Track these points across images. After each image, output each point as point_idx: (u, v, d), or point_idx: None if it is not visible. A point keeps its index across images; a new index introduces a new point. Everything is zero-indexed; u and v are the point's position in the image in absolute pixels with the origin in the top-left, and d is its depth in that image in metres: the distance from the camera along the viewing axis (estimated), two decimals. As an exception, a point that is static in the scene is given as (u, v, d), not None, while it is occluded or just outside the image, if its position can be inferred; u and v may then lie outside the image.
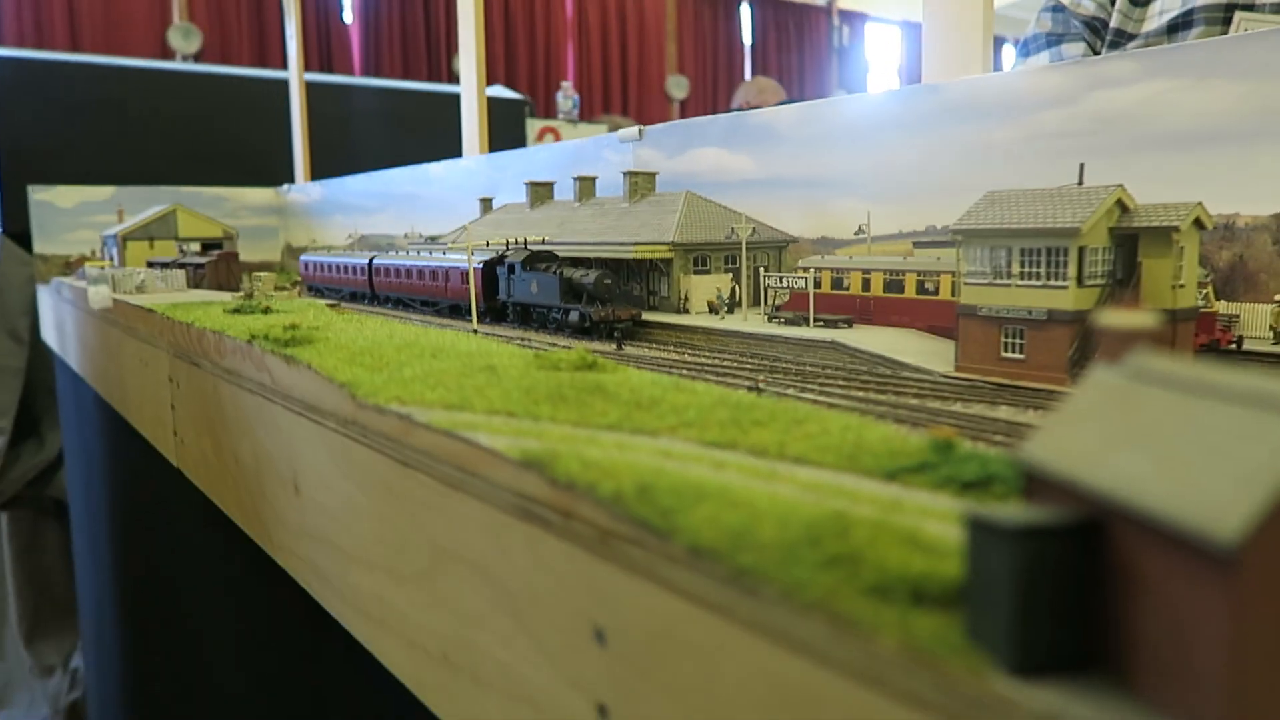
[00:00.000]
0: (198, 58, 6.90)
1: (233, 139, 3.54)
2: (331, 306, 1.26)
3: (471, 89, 2.20)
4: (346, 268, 2.08)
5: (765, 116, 1.38)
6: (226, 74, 4.10)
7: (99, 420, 1.91)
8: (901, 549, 0.35)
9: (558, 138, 5.43)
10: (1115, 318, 0.32)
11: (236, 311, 1.15)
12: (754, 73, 10.02)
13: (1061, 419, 0.32)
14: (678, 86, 9.43)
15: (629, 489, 0.44)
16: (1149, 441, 0.28)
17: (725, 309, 1.38)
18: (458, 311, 1.68)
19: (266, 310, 1.14)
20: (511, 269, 1.48)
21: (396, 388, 0.68)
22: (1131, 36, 1.61)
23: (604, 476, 0.46)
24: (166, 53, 6.83)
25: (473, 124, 2.20)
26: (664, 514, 0.41)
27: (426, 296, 1.77)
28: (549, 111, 7.38)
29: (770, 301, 1.30)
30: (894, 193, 1.18)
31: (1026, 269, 0.85)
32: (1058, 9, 1.79)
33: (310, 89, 3.09)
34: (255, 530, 0.99)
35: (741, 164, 1.42)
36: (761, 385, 0.90)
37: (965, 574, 0.31)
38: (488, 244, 1.49)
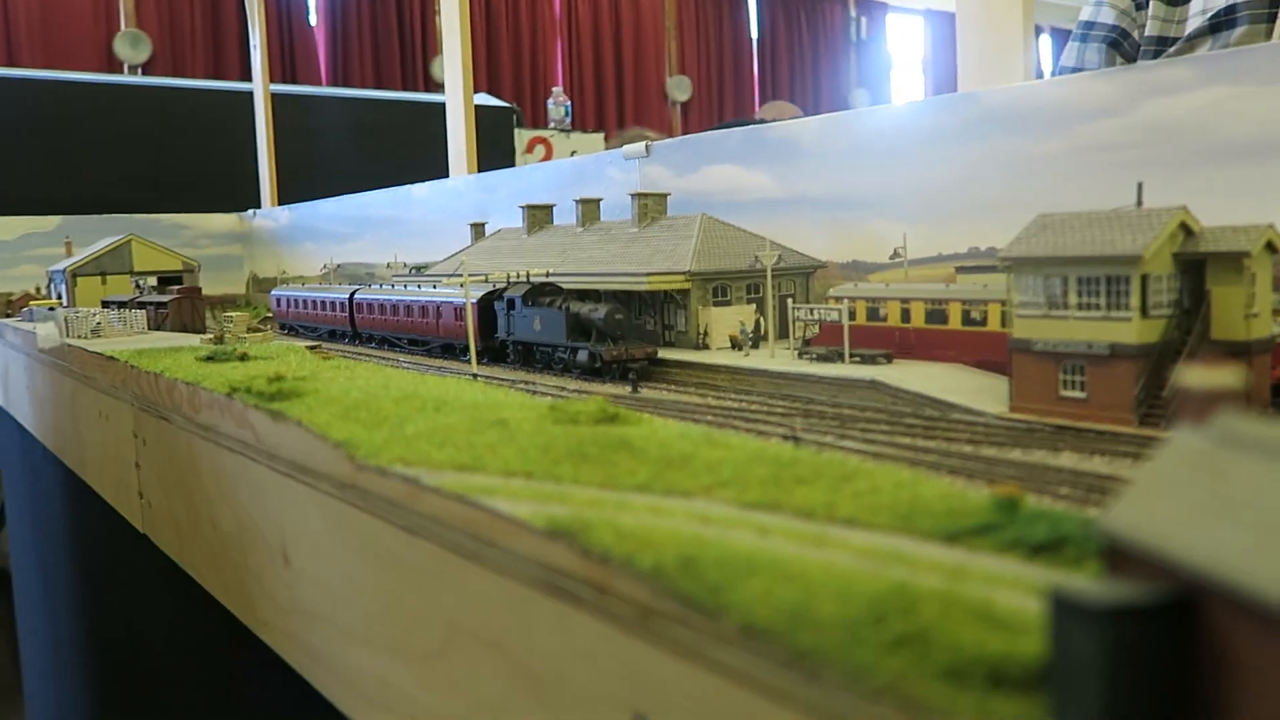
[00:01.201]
0: (147, 68, 6.99)
1: (190, 160, 3.59)
2: (313, 350, 1.28)
3: (458, 101, 2.23)
4: (325, 304, 2.11)
5: (786, 130, 1.40)
6: (181, 86, 4.16)
7: (51, 479, 1.92)
8: (975, 625, 0.37)
9: (550, 149, 5.48)
10: (1198, 376, 0.34)
11: (210, 359, 1.17)
12: (761, 70, 10.13)
13: (1144, 486, 0.34)
14: (679, 88, 9.53)
15: (671, 561, 0.46)
16: (1241, 512, 0.29)
17: (749, 344, 1.40)
18: (451, 351, 1.70)
19: (243, 357, 1.16)
20: (511, 304, 1.50)
21: (399, 447, 0.70)
22: (1173, 40, 1.67)
23: (641, 547, 0.48)
24: (113, 64, 6.91)
25: (460, 140, 2.24)
26: (712, 589, 0.43)
27: (416, 335, 1.79)
28: (538, 120, 7.46)
29: (799, 335, 1.32)
30: (931, 212, 1.20)
31: (1085, 299, 0.87)
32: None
33: (275, 101, 3.13)
34: (237, 605, 1.00)
35: (760, 182, 1.45)
36: (799, 434, 0.92)
37: (1048, 655, 0.32)
38: (487, 278, 1.51)
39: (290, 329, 2.31)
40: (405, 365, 1.55)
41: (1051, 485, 0.74)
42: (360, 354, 1.81)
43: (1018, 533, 0.48)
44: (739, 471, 0.60)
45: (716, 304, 1.46)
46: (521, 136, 5.22)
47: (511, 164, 4.48)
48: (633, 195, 1.58)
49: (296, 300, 2.25)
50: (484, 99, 4.31)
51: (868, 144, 1.28)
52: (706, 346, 1.46)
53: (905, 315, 1.21)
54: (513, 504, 0.57)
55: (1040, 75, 1.37)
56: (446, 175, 2.24)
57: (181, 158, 3.64)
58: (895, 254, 1.25)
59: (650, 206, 1.55)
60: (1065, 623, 0.31)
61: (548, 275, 1.52)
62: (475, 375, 1.37)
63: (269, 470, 0.87)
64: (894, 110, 1.29)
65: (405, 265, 2.21)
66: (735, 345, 1.43)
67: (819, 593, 0.41)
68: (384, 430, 0.75)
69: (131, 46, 6.98)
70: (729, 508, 0.55)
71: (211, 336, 1.51)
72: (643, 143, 1.60)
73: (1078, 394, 0.87)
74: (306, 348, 1.29)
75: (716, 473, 0.61)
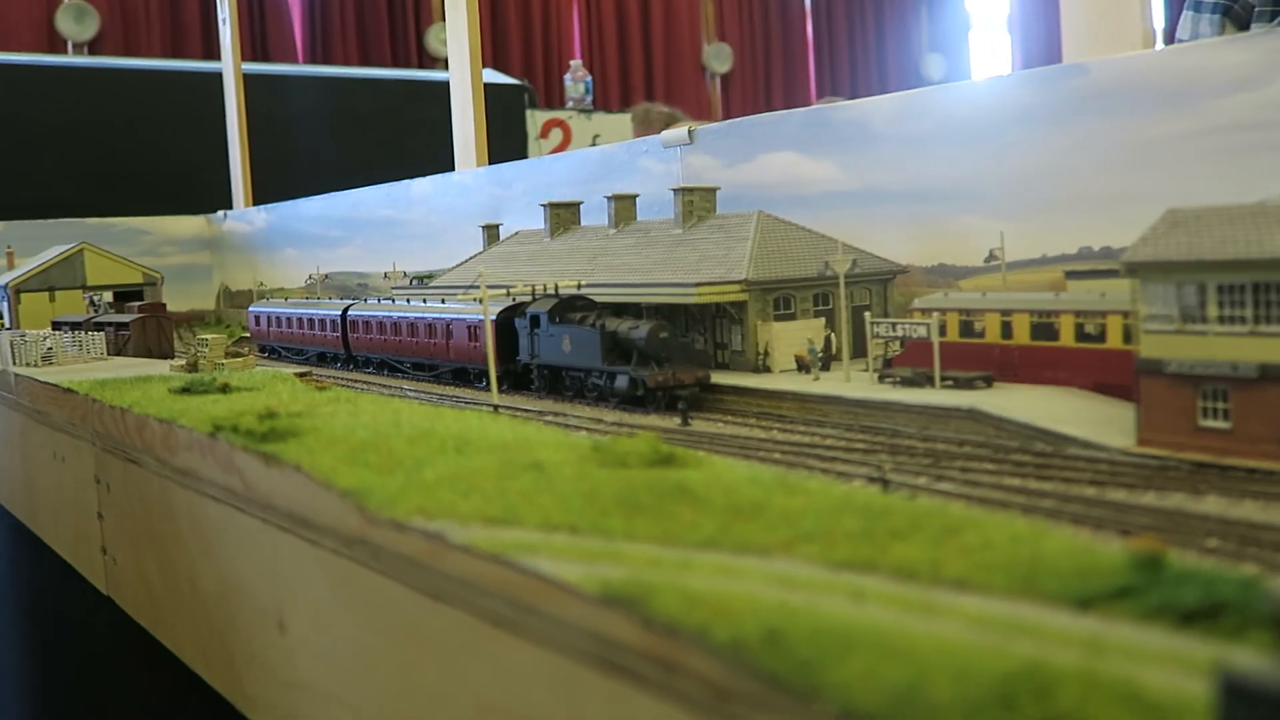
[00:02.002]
0: (94, 46, 7.10)
1: (149, 153, 3.65)
2: (304, 377, 1.30)
3: (464, 79, 2.25)
4: (313, 322, 2.13)
5: (855, 111, 1.41)
6: (135, 67, 4.22)
7: (-4, 531, 1.95)
8: (1122, 711, 0.37)
9: (568, 133, 5.51)
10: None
11: (185, 390, 1.19)
12: (816, 34, 10.13)
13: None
14: (718, 58, 9.55)
15: (752, 634, 0.46)
16: None
17: (819, 365, 1.40)
18: (464, 377, 1.71)
19: (225, 388, 1.18)
20: (535, 321, 1.51)
21: (418, 495, 0.71)
22: None
23: (716, 616, 0.48)
24: (55, 42, 7.03)
25: (467, 125, 2.26)
26: (803, 668, 0.43)
27: (422, 358, 1.81)
28: (553, 100, 7.50)
29: (878, 354, 1.32)
30: (1032, 205, 1.20)
31: (1227, 311, 0.86)
32: None
33: (247, 83, 3.18)
34: (221, 679, 1.01)
35: (825, 172, 1.45)
36: (887, 475, 0.92)
37: (1217, 749, 0.32)
38: (507, 291, 1.52)
39: (271, 351, 2.34)
40: (412, 395, 1.57)
41: (1196, 536, 0.73)
42: (358, 381, 1.83)
43: (1163, 596, 0.48)
44: (823, 523, 0.61)
45: (778, 318, 1.46)
46: (535, 119, 5.25)
47: (524, 152, 4.51)
48: (675, 190, 1.59)
49: (279, 318, 2.28)
50: (490, 75, 4.35)
51: (953, 125, 1.28)
52: (768, 369, 1.46)
53: (1006, 330, 1.21)
54: (557, 564, 0.57)
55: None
56: (451, 168, 2.26)
57: (138, 150, 3.69)
58: (991, 256, 1.25)
59: (696, 203, 1.56)
60: (1238, 710, 0.31)
61: (579, 287, 1.53)
62: (496, 407, 1.38)
63: (261, 523, 0.88)
64: (984, 85, 1.30)
65: (406, 275, 2.23)
66: (802, 367, 1.43)
67: (932, 672, 0.41)
68: (399, 476, 0.76)
69: (76, 21, 7.10)
70: (815, 568, 0.55)
71: (183, 363, 1.54)
72: (685, 128, 1.61)
73: (1221, 424, 0.87)
74: (296, 375, 1.31)
75: (796, 525, 0.61)
